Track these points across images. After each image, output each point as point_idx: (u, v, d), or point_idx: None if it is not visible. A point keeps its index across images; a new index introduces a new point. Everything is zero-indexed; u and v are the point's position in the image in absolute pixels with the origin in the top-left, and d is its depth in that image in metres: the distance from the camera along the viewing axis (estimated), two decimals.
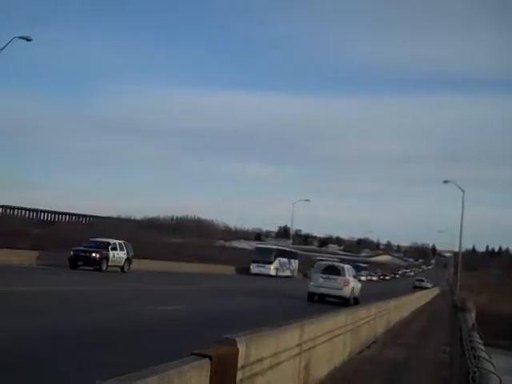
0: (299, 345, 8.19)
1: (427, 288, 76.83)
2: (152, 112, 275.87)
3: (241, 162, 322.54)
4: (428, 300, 53.50)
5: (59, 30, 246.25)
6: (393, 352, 15.90)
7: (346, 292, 29.00)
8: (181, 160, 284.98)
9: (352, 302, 28.68)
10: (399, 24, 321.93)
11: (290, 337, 7.65)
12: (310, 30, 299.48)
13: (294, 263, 75.87)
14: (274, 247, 79.48)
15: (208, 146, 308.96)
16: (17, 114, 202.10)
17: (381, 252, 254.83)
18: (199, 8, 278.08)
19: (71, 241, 37.77)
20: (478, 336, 13.79)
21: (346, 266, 30.95)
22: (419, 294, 49.01)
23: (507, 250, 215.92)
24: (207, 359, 4.51)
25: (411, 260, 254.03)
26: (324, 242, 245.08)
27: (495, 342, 32.22)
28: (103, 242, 36.24)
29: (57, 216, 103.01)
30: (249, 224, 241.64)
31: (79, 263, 34.09)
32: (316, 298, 29.51)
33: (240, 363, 5.36)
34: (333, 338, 11.14)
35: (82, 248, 35.09)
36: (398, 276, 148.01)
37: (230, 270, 65.55)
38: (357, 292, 30.65)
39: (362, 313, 15.70)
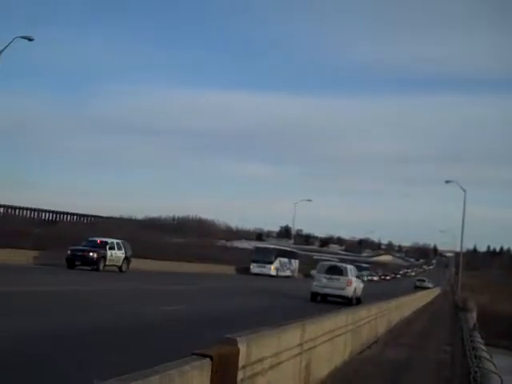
0: (300, 345, 8.19)
1: (428, 288, 76.75)
2: (152, 112, 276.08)
3: (241, 162, 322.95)
4: (429, 300, 53.47)
5: (59, 30, 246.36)
6: (394, 352, 15.90)
7: (348, 292, 29.39)
8: (181, 160, 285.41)
9: (354, 301, 28.96)
10: (399, 24, 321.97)
11: (290, 337, 7.65)
12: (310, 30, 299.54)
13: (295, 263, 75.79)
14: (275, 247, 79.44)
15: (208, 146, 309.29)
16: (17, 114, 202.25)
17: (382, 252, 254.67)
18: (199, 8, 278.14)
19: (72, 241, 37.55)
20: (479, 336, 13.78)
21: (349, 267, 31.42)
22: (420, 293, 48.99)
23: (508, 250, 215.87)
24: (208, 359, 4.52)
25: (412, 260, 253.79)
26: (325, 242, 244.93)
27: (496, 342, 32.21)
28: (101, 242, 35.84)
29: (58, 216, 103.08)
30: (250, 224, 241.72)
31: (76, 263, 33.69)
32: (319, 297, 29.88)
33: (241, 363, 5.37)
34: (334, 338, 11.14)
35: (80, 247, 34.64)
36: (399, 276, 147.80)
37: (230, 269, 65.49)
38: (359, 292, 31.13)
39: (362, 313, 15.70)
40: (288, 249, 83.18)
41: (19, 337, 10.16)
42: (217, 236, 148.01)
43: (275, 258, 67.58)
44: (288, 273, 71.57)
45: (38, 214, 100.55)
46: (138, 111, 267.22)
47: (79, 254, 33.91)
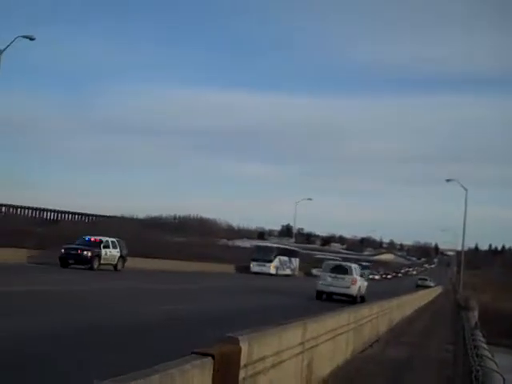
0: (302, 343, 8.19)
1: (430, 287, 76.75)
2: (152, 112, 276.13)
3: (241, 162, 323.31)
4: (431, 299, 53.47)
5: (59, 30, 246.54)
6: (395, 351, 15.89)
7: (353, 290, 30.23)
8: (181, 159, 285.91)
9: (359, 299, 29.79)
10: (399, 24, 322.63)
11: (292, 335, 7.65)
12: (310, 30, 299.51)
13: (295, 262, 75.63)
14: (274, 246, 79.34)
15: (209, 146, 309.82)
16: (17, 114, 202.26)
17: (383, 251, 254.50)
18: (199, 8, 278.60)
19: (74, 240, 37.40)
20: (480, 335, 13.75)
21: (354, 266, 32.24)
22: (422, 292, 48.99)
23: (510, 249, 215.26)
24: (210, 358, 4.51)
25: (414, 259, 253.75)
26: (327, 240, 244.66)
27: (498, 341, 32.16)
28: (95, 240, 35.09)
29: (60, 215, 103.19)
30: (252, 223, 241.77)
31: (70, 261, 33.03)
32: (324, 296, 30.55)
33: (243, 362, 5.37)
34: (335, 337, 11.13)
35: (73, 246, 33.92)
36: (400, 275, 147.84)
37: (231, 268, 65.43)
38: (363, 290, 31.83)
39: (364, 311, 15.70)
40: (288, 247, 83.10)
41: (17, 337, 10.14)
42: (218, 235, 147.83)
43: (275, 257, 67.43)
44: (288, 271, 71.40)
45: (40, 214, 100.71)
46: (138, 111, 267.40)
47: (73, 252, 33.25)
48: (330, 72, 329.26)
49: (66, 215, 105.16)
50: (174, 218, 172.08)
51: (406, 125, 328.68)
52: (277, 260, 67.65)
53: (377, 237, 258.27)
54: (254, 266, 65.26)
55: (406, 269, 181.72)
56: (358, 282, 30.64)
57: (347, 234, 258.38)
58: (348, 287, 30.15)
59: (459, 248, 71.87)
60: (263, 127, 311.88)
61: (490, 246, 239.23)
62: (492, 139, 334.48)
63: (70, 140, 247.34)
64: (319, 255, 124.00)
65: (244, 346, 5.36)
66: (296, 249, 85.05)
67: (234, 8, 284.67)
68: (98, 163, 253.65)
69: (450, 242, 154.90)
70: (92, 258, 33.50)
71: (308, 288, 37.88)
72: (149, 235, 79.92)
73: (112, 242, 36.11)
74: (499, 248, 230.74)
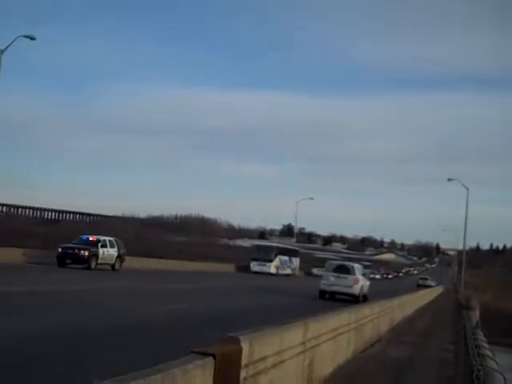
0: (303, 343, 8.19)
1: (431, 286, 76.74)
2: (152, 112, 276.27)
3: (241, 162, 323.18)
4: (432, 298, 53.45)
5: (59, 30, 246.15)
6: (396, 350, 15.89)
7: (355, 290, 30.73)
8: (182, 159, 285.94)
9: (361, 299, 30.20)
10: (399, 24, 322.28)
11: (293, 335, 7.65)
12: (310, 30, 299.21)
13: (295, 261, 75.45)
14: (275, 245, 79.24)
15: (208, 146, 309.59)
16: (17, 114, 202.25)
17: (385, 250, 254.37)
18: (199, 8, 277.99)
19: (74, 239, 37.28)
20: (482, 334, 13.75)
21: (356, 265, 33.00)
22: (423, 292, 48.99)
23: (511, 248, 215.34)
24: (211, 358, 4.51)
25: (415, 258, 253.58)
26: (328, 240, 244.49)
27: (499, 340, 32.13)
28: (92, 239, 34.78)
29: (61, 215, 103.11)
30: (252, 223, 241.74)
31: (67, 261, 32.80)
32: (327, 295, 31.00)
33: (244, 362, 5.37)
34: (337, 337, 11.14)
35: (70, 245, 33.59)
36: (401, 274, 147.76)
37: (231, 268, 65.39)
38: (365, 290, 32.36)
39: (365, 311, 15.70)
40: (289, 247, 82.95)
41: (17, 337, 10.15)
42: (219, 235, 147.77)
43: (275, 256, 67.23)
44: (288, 271, 71.24)
45: (41, 213, 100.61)
46: (138, 111, 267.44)
47: (70, 252, 32.97)
48: (330, 72, 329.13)
49: (67, 215, 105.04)
50: (176, 217, 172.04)
51: (406, 125, 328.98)
52: (277, 259, 67.51)
53: (378, 236, 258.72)
54: (254, 266, 65.11)
55: (407, 268, 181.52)
56: (360, 282, 31.14)
57: (348, 233, 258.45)
58: (351, 287, 30.62)
59: (460, 247, 71.84)
60: (263, 127, 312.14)
61: (492, 245, 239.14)
62: (492, 139, 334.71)
63: (70, 140, 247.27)
64: (319, 255, 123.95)
65: (245, 346, 5.36)
66: (296, 248, 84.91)
67: (234, 8, 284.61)
68: (98, 163, 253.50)
69: (451, 242, 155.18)
70: (89, 257, 33.20)
71: (308, 287, 37.90)
72: (150, 235, 79.95)
73: (110, 241, 35.82)
74: (500, 247, 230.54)
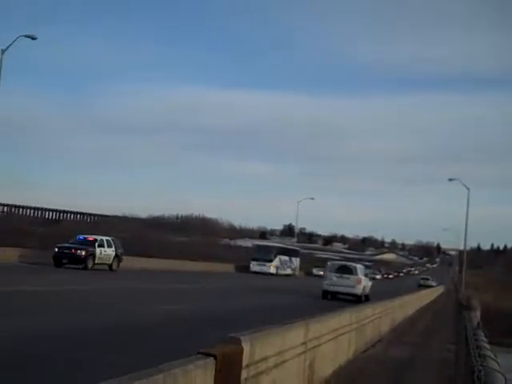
0: (304, 343, 8.18)
1: (432, 286, 76.73)
2: (152, 112, 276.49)
3: (241, 161, 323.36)
4: (433, 298, 53.43)
5: (59, 30, 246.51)
6: (398, 350, 15.88)
7: (358, 290, 31.09)
8: (182, 159, 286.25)
9: (363, 299, 30.67)
10: (399, 24, 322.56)
11: (294, 335, 7.65)
12: (310, 30, 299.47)
13: (296, 261, 75.27)
14: (275, 245, 79.11)
15: (209, 145, 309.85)
16: (17, 114, 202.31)
17: (385, 250, 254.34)
18: (199, 8, 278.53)
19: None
20: (482, 334, 13.75)
21: (358, 266, 33.20)
22: (424, 292, 48.98)
23: None
24: (212, 358, 4.51)
25: (416, 258, 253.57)
26: (329, 240, 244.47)
27: (500, 341, 32.12)
28: (89, 239, 34.26)
29: (61, 215, 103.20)
30: (253, 223, 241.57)
31: (64, 261, 32.32)
32: (329, 295, 31.29)
33: (245, 362, 5.36)
34: (338, 337, 11.13)
35: (67, 245, 33.02)
36: (402, 274, 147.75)
37: (231, 268, 65.32)
38: (368, 290, 32.67)
39: (366, 311, 15.70)
40: (289, 247, 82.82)
41: (17, 337, 10.14)
42: (220, 235, 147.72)
43: (275, 256, 67.00)
44: (288, 271, 71.05)
45: (42, 213, 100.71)
46: (138, 111, 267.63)
47: (66, 251, 32.47)
48: (330, 72, 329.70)
49: (68, 215, 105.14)
50: (177, 217, 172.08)
51: (406, 125, 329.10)
52: (277, 259, 67.34)
53: (378, 236, 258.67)
54: (254, 266, 64.89)
55: (408, 268, 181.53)
56: (362, 282, 31.45)
57: (349, 233, 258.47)
58: (353, 287, 30.92)
59: (461, 247, 71.79)
60: (263, 126, 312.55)
61: (492, 245, 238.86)
62: (492, 139, 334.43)
63: (70, 140, 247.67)
64: (320, 255, 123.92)
65: (246, 346, 5.36)
66: (297, 248, 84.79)
67: (234, 8, 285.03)
68: (99, 163, 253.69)
69: (452, 242, 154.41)
70: (86, 257, 32.70)
71: (309, 287, 37.91)
72: (151, 235, 79.84)
73: (107, 240, 35.32)
74: (501, 248, 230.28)
